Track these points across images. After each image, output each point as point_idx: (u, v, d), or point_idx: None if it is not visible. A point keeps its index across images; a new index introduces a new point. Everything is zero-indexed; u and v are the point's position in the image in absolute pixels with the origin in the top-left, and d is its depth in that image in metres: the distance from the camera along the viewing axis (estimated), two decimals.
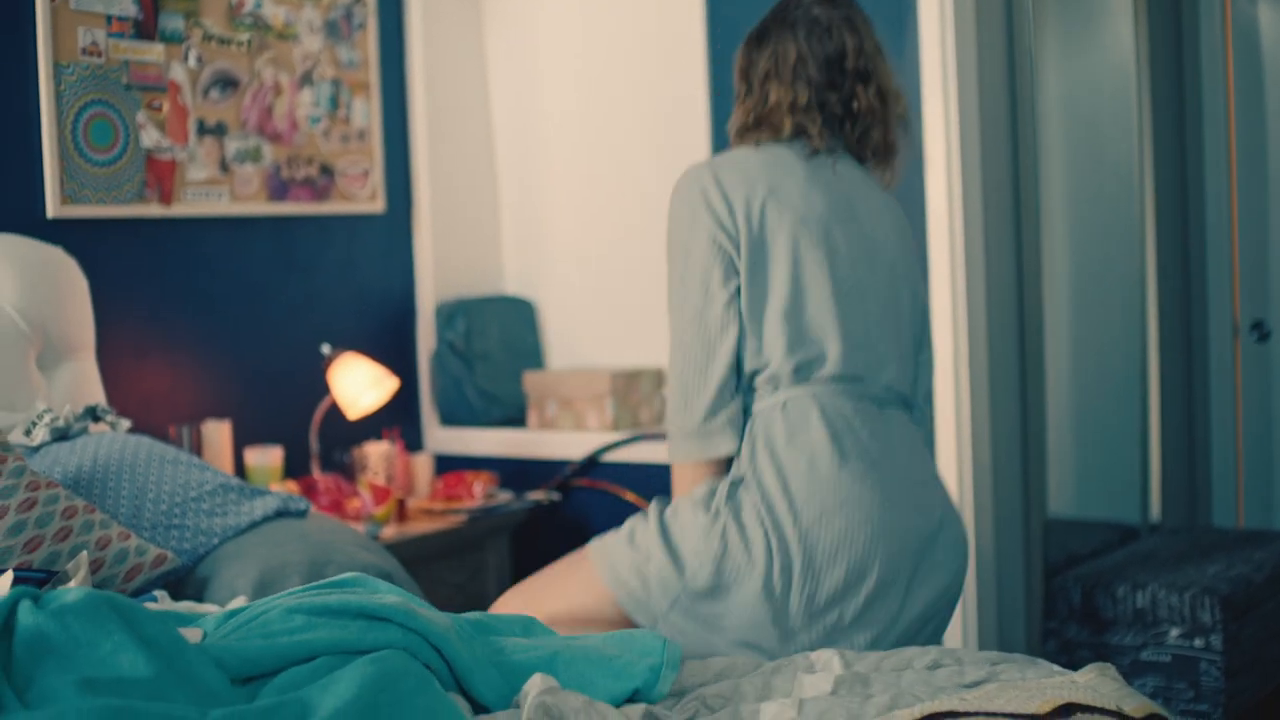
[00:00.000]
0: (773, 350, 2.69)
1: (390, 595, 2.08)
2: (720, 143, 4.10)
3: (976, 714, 1.79)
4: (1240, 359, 4.96)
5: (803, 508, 2.62)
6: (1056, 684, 1.90)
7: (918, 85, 3.77)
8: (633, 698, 2.03)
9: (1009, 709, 1.81)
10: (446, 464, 4.61)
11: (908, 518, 2.67)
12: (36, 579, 2.32)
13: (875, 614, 2.64)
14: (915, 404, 2.85)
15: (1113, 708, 1.84)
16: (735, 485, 2.67)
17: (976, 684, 2.02)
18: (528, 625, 2.25)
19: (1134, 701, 1.87)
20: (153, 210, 3.85)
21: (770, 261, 2.70)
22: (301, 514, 3.18)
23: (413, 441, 4.63)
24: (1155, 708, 1.89)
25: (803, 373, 2.69)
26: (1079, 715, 1.82)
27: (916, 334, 2.86)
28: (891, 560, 2.64)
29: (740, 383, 2.71)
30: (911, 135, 2.92)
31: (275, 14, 4.16)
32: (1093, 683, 1.92)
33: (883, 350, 2.75)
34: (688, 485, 2.74)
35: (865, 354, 2.72)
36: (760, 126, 2.82)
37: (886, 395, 2.75)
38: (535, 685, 1.90)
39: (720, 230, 2.72)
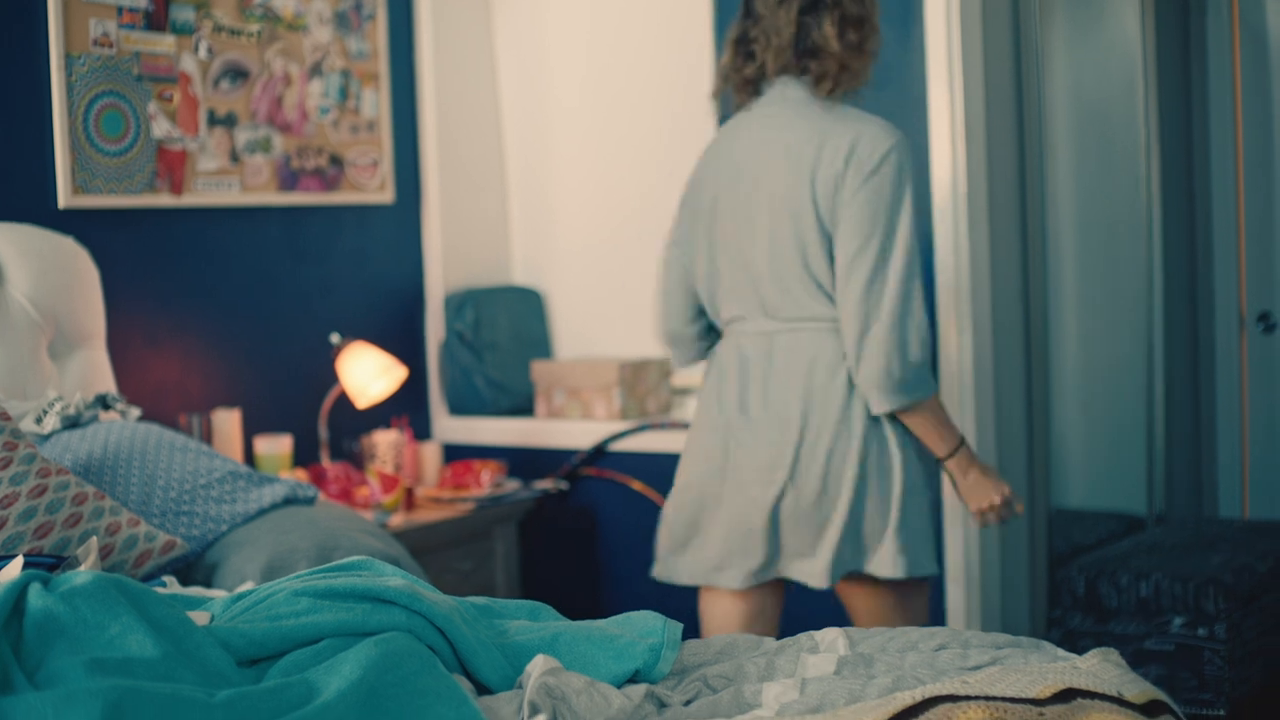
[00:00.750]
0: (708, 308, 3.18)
1: (395, 578, 2.10)
2: None
3: (977, 697, 1.80)
4: (1246, 350, 4.97)
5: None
6: (1058, 669, 1.91)
7: (924, 77, 3.78)
8: (634, 678, 2.04)
9: (1009, 693, 1.82)
10: (455, 453, 4.63)
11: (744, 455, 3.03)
12: (46, 564, 2.34)
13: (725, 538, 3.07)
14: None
15: (1113, 693, 1.85)
16: None
17: (979, 667, 2.03)
18: (534, 610, 2.26)
19: (1135, 688, 1.88)
20: (163, 200, 3.87)
21: (691, 238, 3.16)
22: (309, 501, 3.20)
23: (421, 430, 4.65)
24: (1156, 694, 1.90)
25: (719, 323, 3.16)
26: (1079, 700, 1.83)
27: (808, 255, 2.96)
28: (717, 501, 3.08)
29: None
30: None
31: (285, 5, 4.17)
32: (1094, 668, 1.93)
33: (765, 290, 3.01)
34: None
35: (746, 300, 3.04)
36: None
37: (769, 327, 3.03)
38: (538, 666, 1.91)
39: (680, 220, 3.23)
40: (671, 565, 3.19)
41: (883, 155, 2.89)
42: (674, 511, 3.16)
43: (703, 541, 3.11)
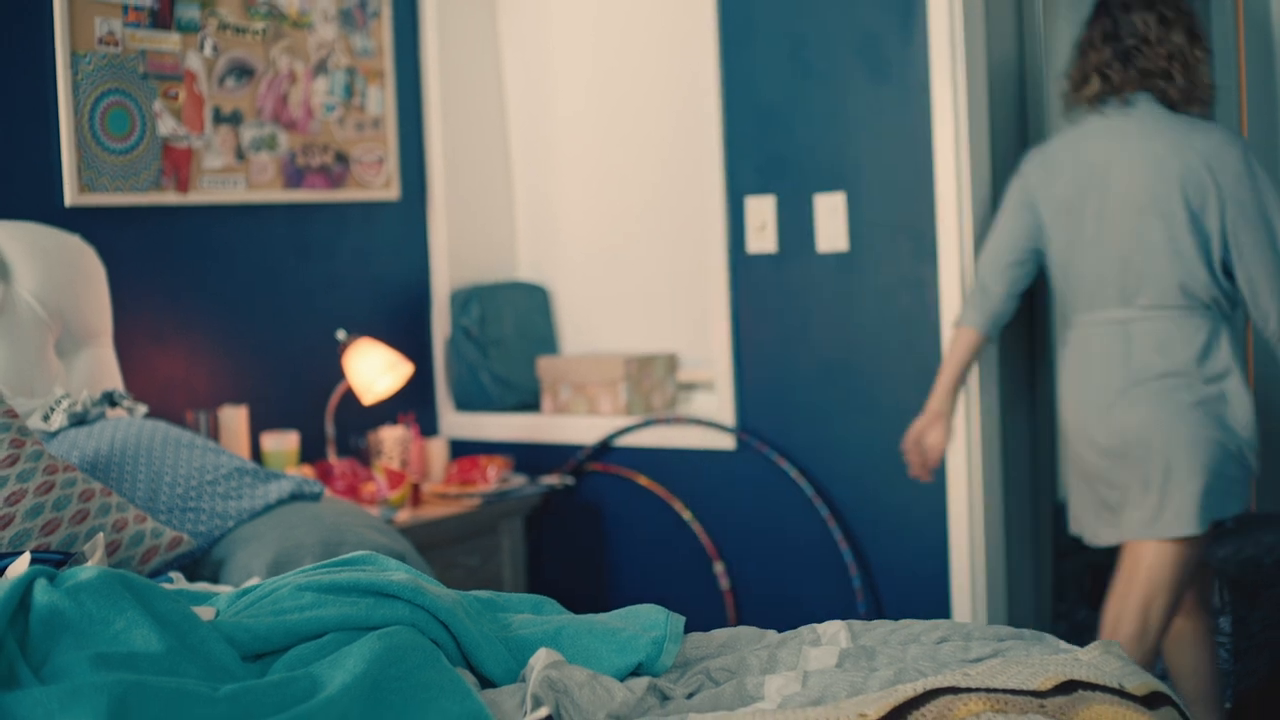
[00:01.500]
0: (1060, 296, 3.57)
1: (399, 572, 2.10)
2: (730, 128, 4.12)
3: (979, 689, 1.80)
4: (1251, 341, 4.96)
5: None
6: (1060, 661, 1.91)
7: (926, 69, 3.78)
8: (637, 671, 2.05)
9: (1011, 685, 1.82)
10: (461, 448, 4.64)
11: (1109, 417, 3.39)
12: (53, 560, 2.35)
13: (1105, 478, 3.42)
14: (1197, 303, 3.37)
15: (1114, 685, 1.86)
16: None
17: (981, 659, 2.03)
18: (538, 604, 2.27)
19: (1136, 680, 1.89)
20: (169, 198, 3.88)
21: (1049, 230, 3.49)
22: (315, 497, 3.21)
23: (427, 426, 4.66)
24: (1157, 685, 1.90)
25: (1077, 305, 3.48)
26: (1080, 692, 1.83)
27: (1178, 250, 3.32)
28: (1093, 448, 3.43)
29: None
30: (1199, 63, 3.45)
31: (290, 3, 4.18)
32: (1096, 660, 1.94)
33: (1128, 278, 3.35)
34: None
35: (1105, 291, 3.39)
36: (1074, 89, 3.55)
37: (1137, 314, 3.37)
38: (540, 659, 1.92)
39: (1027, 202, 3.54)
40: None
41: (1241, 157, 3.30)
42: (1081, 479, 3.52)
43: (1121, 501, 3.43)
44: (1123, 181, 3.36)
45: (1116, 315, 3.40)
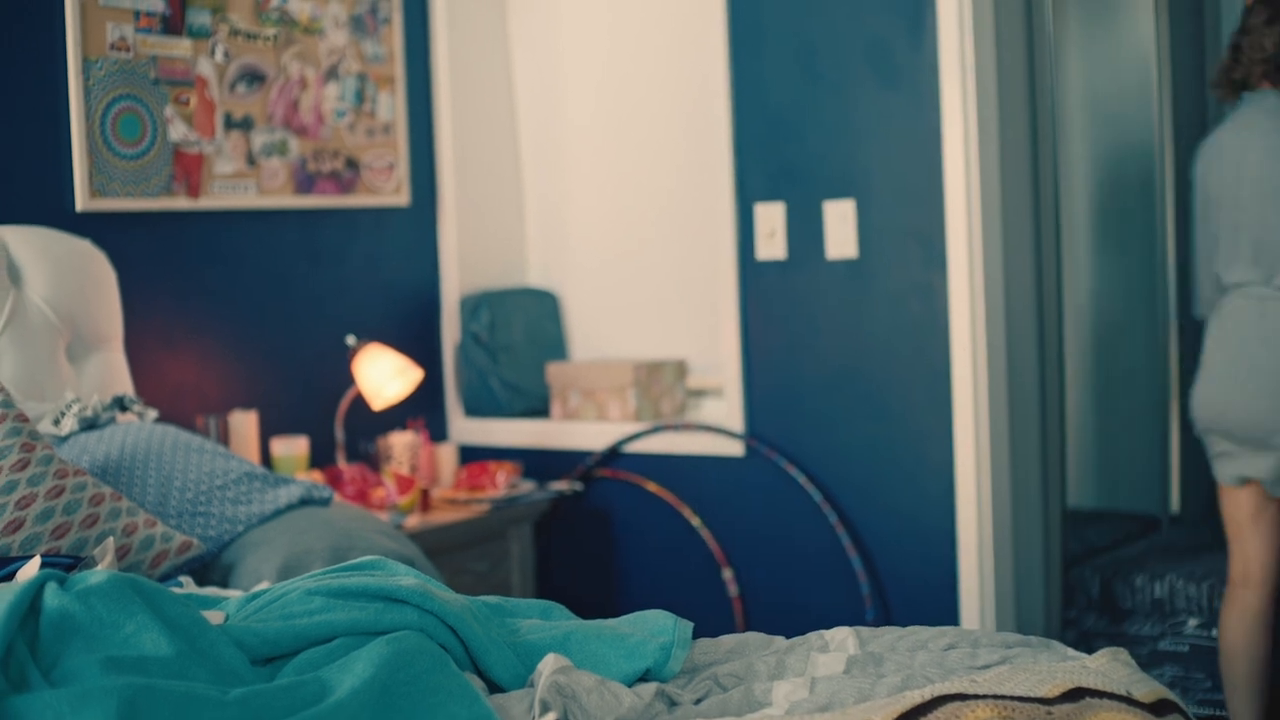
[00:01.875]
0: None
1: (407, 578, 2.11)
2: (739, 135, 4.12)
3: (986, 696, 1.80)
4: None
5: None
6: (1067, 668, 1.91)
7: (936, 75, 3.78)
8: (645, 676, 2.05)
9: (1018, 692, 1.83)
10: (470, 454, 4.65)
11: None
12: (64, 564, 2.36)
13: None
14: None
15: (1122, 693, 1.86)
16: None
17: (988, 666, 2.03)
18: (547, 609, 2.27)
19: (1144, 687, 1.89)
20: (180, 203, 3.89)
21: (1205, 220, 3.67)
22: (325, 502, 3.21)
23: (437, 432, 4.67)
24: (1165, 693, 1.90)
25: (1225, 283, 3.62)
26: (1088, 699, 1.83)
27: None
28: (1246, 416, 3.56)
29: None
30: None
31: (301, 9, 4.20)
32: (1104, 668, 1.94)
33: (1261, 259, 3.51)
34: None
35: (1245, 271, 3.55)
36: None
37: (1270, 293, 3.51)
38: (549, 665, 1.93)
39: (1200, 187, 3.70)
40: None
41: None
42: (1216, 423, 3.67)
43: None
44: (1253, 169, 3.52)
45: (1257, 293, 3.54)
